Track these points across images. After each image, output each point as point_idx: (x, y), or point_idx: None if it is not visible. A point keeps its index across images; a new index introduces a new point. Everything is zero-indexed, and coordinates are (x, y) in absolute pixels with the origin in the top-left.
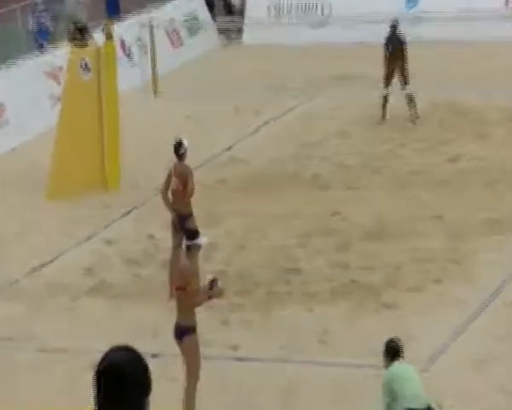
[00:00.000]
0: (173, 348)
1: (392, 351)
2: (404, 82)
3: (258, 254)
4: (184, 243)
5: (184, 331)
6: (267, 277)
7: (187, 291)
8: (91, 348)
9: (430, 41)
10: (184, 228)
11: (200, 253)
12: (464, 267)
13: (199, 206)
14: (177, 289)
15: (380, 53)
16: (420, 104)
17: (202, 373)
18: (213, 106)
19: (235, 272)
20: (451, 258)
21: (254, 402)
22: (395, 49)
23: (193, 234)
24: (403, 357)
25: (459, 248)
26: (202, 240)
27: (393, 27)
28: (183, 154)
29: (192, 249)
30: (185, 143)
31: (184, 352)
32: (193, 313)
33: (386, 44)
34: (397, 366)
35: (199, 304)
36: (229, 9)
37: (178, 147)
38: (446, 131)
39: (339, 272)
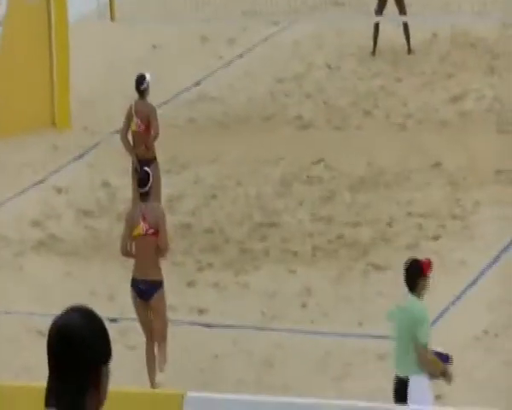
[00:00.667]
0: (132, 312)
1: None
2: (400, 10)
3: (231, 206)
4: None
5: (156, 286)
6: (240, 232)
7: (160, 234)
8: (37, 312)
9: None
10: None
11: (164, 204)
12: (465, 223)
13: (163, 149)
14: (153, 234)
15: None
16: (419, 34)
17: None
18: (180, 34)
19: (203, 226)
20: (451, 212)
21: (224, 373)
22: None
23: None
24: None
25: (460, 200)
26: None
27: None
28: (145, 90)
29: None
30: (148, 77)
31: (155, 310)
32: (160, 265)
33: None
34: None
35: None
36: None
37: (140, 82)
38: (449, 66)
39: (323, 226)
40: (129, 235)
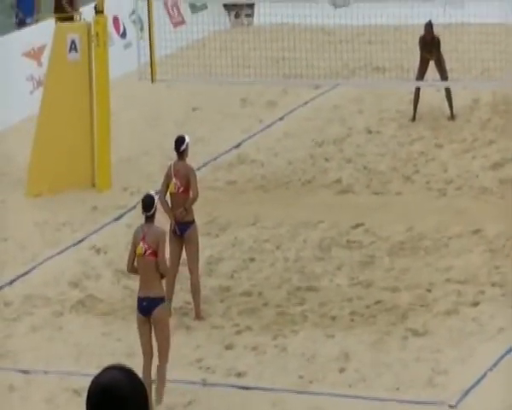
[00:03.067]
0: (173, 372)
1: None
2: (442, 76)
3: (270, 269)
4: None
5: (157, 302)
6: (279, 295)
7: (159, 255)
8: (76, 372)
9: (475, 24)
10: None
11: (202, 266)
12: (504, 290)
13: (202, 211)
14: (151, 254)
15: (416, 39)
16: (460, 100)
17: (203, 402)
18: (220, 96)
19: (241, 289)
20: (490, 279)
21: None
22: (429, 50)
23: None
24: None
25: (499, 267)
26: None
27: (428, 27)
28: (184, 151)
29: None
30: (187, 139)
31: (157, 325)
32: (161, 283)
33: (420, 45)
34: None
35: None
36: None
37: (179, 143)
38: (490, 132)
39: (361, 291)
40: (133, 254)
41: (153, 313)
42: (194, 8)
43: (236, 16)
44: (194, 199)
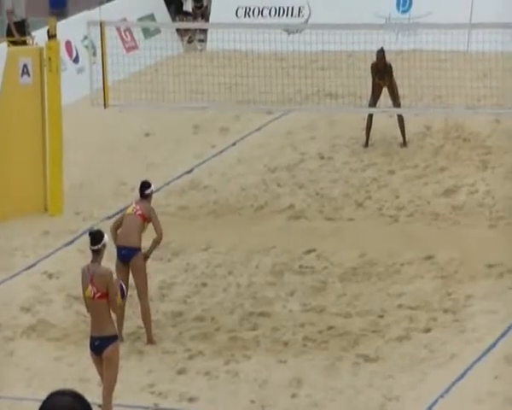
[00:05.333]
0: (125, 398)
1: None
2: (394, 102)
3: (222, 294)
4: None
5: (109, 341)
6: (231, 320)
7: (109, 297)
8: (27, 397)
9: (427, 51)
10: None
11: (155, 291)
12: (457, 317)
13: (155, 236)
14: (100, 297)
15: (369, 65)
16: (413, 126)
17: None
18: (172, 121)
19: (194, 314)
20: (442, 305)
21: None
22: (382, 77)
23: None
24: None
25: (452, 294)
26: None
27: (380, 54)
28: (148, 195)
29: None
30: (152, 186)
31: (107, 362)
32: (112, 321)
33: (372, 72)
34: None
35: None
36: (184, 11)
37: (145, 187)
38: (442, 159)
39: (314, 317)
40: (83, 294)
41: (104, 352)
42: (147, 33)
43: (189, 41)
44: (160, 238)
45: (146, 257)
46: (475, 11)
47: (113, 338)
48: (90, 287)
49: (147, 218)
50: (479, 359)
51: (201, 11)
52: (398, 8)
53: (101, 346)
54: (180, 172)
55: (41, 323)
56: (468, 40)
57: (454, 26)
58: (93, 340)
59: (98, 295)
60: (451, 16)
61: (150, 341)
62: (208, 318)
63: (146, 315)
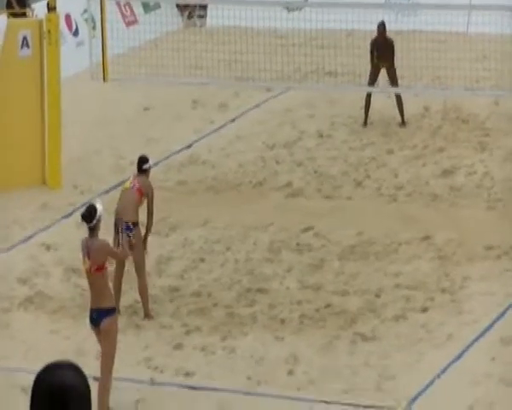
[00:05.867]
0: (122, 371)
1: None
2: (392, 82)
3: (219, 270)
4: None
5: (106, 313)
6: (228, 296)
7: (105, 269)
8: (24, 369)
9: (427, 32)
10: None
11: (152, 266)
12: (454, 297)
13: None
14: (97, 270)
15: (368, 45)
16: (411, 107)
17: (151, 401)
18: (172, 97)
19: (191, 289)
20: (440, 286)
21: None
22: (382, 53)
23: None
24: None
25: (449, 274)
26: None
27: (381, 28)
28: (146, 170)
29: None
30: (150, 161)
31: (104, 334)
32: (111, 293)
33: (372, 47)
34: None
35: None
36: None
37: (142, 162)
38: (441, 140)
39: (311, 294)
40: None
41: (101, 324)
42: (147, 8)
43: (189, 17)
44: (150, 225)
45: (144, 238)
46: None
47: (111, 311)
48: (86, 260)
49: (144, 193)
50: (475, 340)
51: None
52: None
53: (99, 318)
54: (179, 148)
55: (38, 295)
56: (467, 21)
57: (454, 7)
58: (91, 312)
59: (94, 268)
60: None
61: (147, 315)
62: (205, 293)
63: (143, 290)
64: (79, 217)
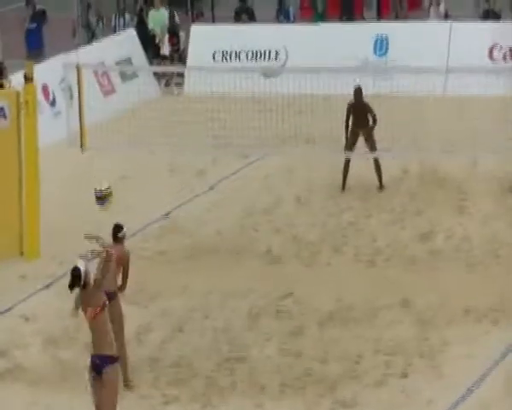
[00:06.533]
0: None
1: None
2: (371, 147)
3: (199, 339)
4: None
5: (111, 359)
6: (208, 365)
7: (104, 311)
8: None
9: (402, 95)
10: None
11: (132, 336)
12: (434, 362)
13: (131, 280)
14: (98, 313)
15: (345, 109)
16: (389, 170)
17: None
18: (150, 164)
19: (170, 360)
20: (419, 350)
21: None
22: (359, 117)
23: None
24: None
25: (429, 339)
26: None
27: (357, 92)
28: (121, 238)
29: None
30: (125, 228)
31: (109, 384)
32: (112, 340)
33: (348, 112)
34: None
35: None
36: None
37: (117, 230)
38: (419, 203)
39: (291, 361)
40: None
41: (103, 372)
42: (125, 77)
43: (166, 85)
44: (123, 289)
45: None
46: (452, 55)
47: (114, 359)
48: (87, 309)
49: (121, 261)
50: (455, 405)
51: (178, 54)
52: (375, 52)
53: (103, 365)
54: (157, 215)
55: (17, 367)
56: (444, 83)
57: (430, 70)
58: (93, 358)
59: (95, 312)
60: (428, 60)
61: (127, 385)
62: (184, 363)
63: (123, 359)
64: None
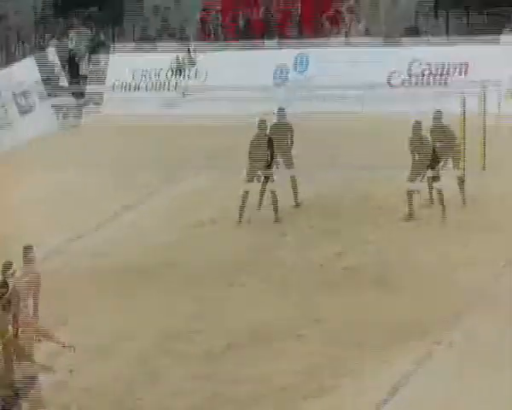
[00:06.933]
0: None
1: None
2: (288, 164)
3: (111, 362)
4: None
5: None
6: (117, 389)
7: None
8: None
9: (323, 114)
10: None
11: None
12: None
13: (41, 303)
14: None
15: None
16: (303, 189)
17: None
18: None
19: (79, 385)
20: (333, 367)
21: None
22: (280, 135)
23: None
24: None
25: (340, 357)
26: None
27: (280, 113)
28: (31, 260)
29: None
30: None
31: None
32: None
33: (272, 132)
34: None
35: None
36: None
37: (27, 252)
38: (332, 221)
39: (202, 384)
40: None
41: None
42: (22, 109)
43: (64, 117)
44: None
45: None
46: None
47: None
48: None
49: (32, 285)
50: None
51: (79, 87)
52: (296, 70)
53: None
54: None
55: None
56: (363, 101)
57: (349, 88)
58: None
59: None
60: (348, 78)
61: None
62: (95, 388)
63: None
64: None
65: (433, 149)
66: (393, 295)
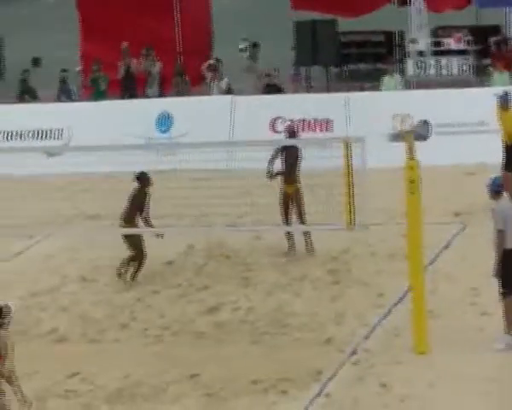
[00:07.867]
0: None
1: None
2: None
3: None
4: None
5: None
6: None
7: None
8: None
9: (187, 171)
10: None
11: None
12: None
13: None
14: None
15: (129, 186)
16: (175, 246)
17: None
18: None
19: None
20: None
21: None
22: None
23: None
24: None
25: None
26: None
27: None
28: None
29: None
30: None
31: None
32: None
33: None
34: None
35: None
36: None
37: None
38: (205, 277)
39: None
40: None
41: None
42: None
43: None
44: None
45: None
46: (235, 129)
47: None
48: None
49: None
50: None
51: None
52: (159, 128)
53: None
54: None
55: None
56: (228, 158)
57: (214, 145)
58: None
59: None
60: (212, 134)
61: None
62: None
63: None
64: None
65: None
66: (268, 348)
